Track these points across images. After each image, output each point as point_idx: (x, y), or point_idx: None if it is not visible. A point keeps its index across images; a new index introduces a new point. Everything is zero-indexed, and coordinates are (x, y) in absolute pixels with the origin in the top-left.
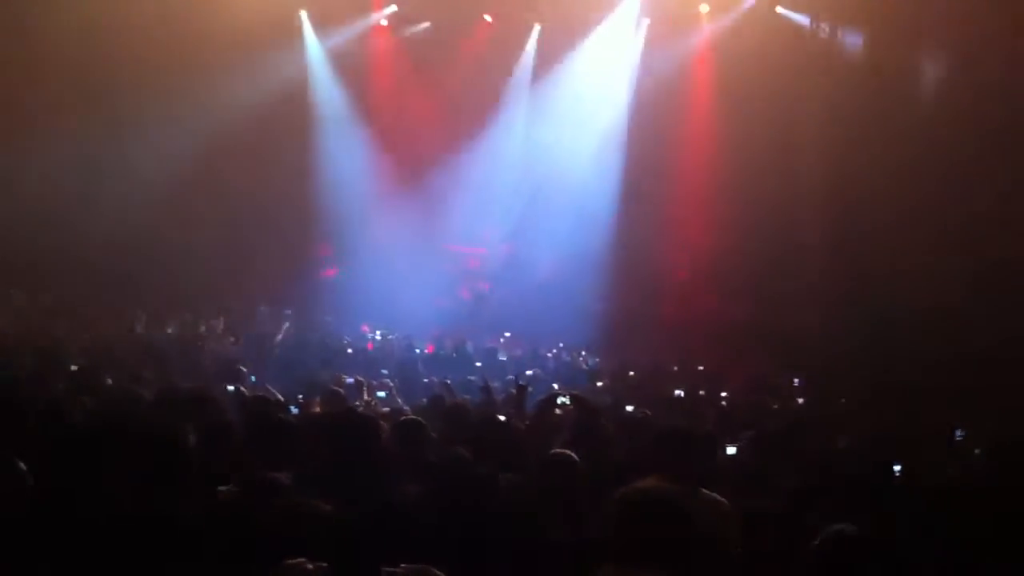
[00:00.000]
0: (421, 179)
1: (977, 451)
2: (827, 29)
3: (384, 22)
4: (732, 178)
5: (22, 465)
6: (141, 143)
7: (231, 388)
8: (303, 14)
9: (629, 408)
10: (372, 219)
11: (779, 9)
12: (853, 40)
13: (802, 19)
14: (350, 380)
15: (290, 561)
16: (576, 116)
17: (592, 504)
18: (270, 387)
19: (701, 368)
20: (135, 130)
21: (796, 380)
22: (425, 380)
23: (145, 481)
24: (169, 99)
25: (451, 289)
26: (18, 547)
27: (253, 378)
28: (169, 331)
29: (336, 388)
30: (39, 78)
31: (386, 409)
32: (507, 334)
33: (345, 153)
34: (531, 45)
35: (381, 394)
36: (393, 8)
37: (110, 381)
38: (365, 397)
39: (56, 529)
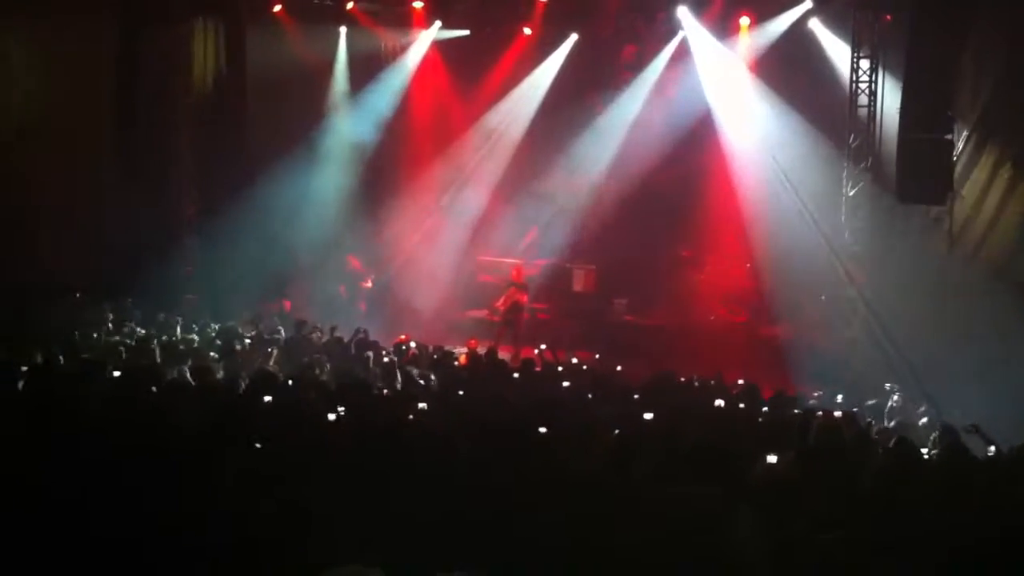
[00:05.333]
0: (456, 189)
1: None
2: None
3: (428, 37)
4: (764, 194)
5: None
6: None
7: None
8: (342, 30)
9: (648, 416)
10: (405, 229)
11: (812, 24)
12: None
13: (844, 47)
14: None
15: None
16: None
17: None
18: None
19: (741, 382)
20: None
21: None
22: None
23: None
24: None
25: (486, 301)
26: None
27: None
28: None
29: None
30: None
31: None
32: (543, 346)
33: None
34: (561, 53)
35: None
36: (438, 24)
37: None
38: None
39: None
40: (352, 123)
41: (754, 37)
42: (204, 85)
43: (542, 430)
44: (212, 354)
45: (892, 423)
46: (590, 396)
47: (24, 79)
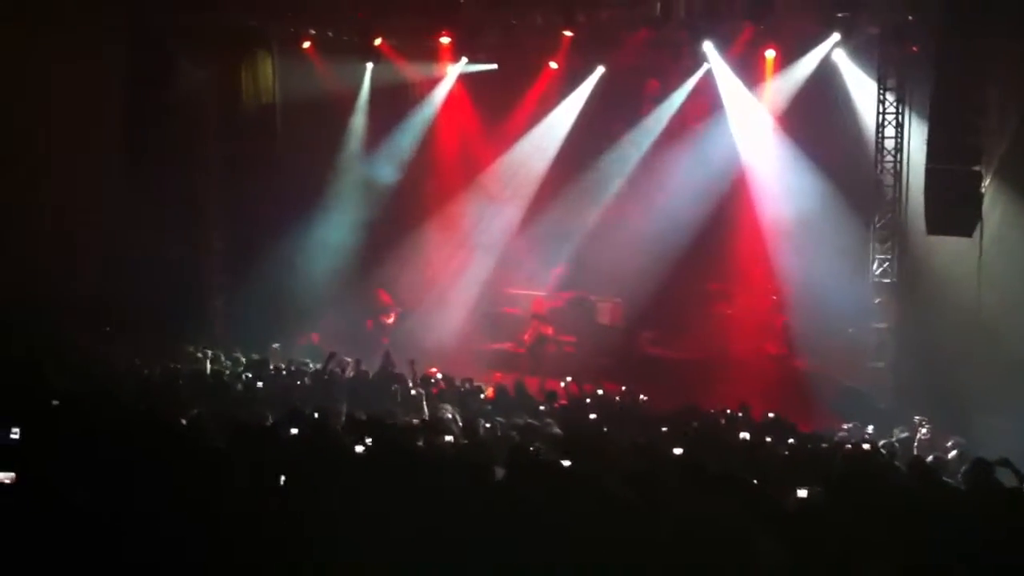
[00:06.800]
0: (482, 222)
1: None
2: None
3: (455, 72)
4: (791, 227)
5: None
6: None
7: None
8: (369, 66)
9: (678, 451)
10: (432, 263)
11: (835, 55)
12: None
13: (869, 78)
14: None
15: None
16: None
17: None
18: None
19: (772, 415)
20: None
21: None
22: None
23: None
24: None
25: (511, 333)
26: None
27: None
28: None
29: None
30: None
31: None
32: (568, 378)
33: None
34: (587, 86)
35: None
36: (464, 61)
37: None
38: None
39: None
40: (379, 157)
41: (780, 70)
42: (234, 118)
43: (566, 463)
44: (240, 387)
45: (930, 458)
46: (617, 427)
47: (38, 105)
